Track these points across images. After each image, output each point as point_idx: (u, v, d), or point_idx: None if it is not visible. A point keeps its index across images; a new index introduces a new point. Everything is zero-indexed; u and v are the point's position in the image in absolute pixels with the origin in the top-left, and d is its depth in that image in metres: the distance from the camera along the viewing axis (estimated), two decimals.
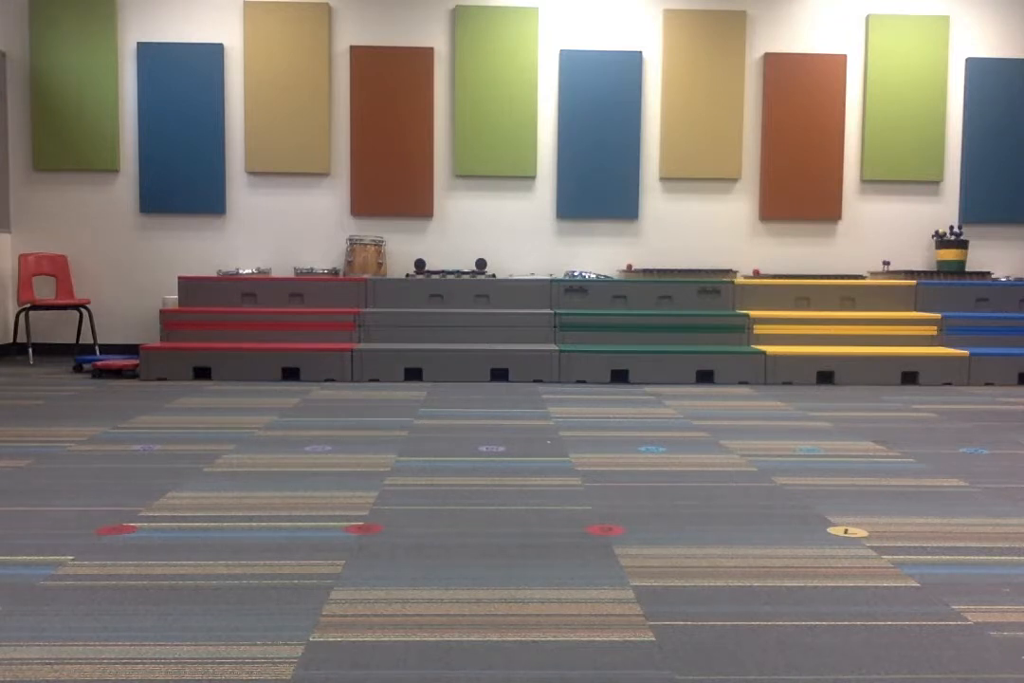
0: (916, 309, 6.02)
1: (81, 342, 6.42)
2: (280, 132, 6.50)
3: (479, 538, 2.21)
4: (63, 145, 6.46)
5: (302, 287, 5.94)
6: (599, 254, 6.67)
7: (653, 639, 1.62)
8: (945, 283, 6.15)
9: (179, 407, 4.25)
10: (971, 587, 1.90)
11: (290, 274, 6.44)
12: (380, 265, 6.34)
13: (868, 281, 6.27)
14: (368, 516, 2.40)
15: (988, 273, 6.47)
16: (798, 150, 6.65)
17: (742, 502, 2.57)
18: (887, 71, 6.66)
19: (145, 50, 6.45)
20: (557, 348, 5.37)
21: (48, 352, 6.42)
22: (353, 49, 6.50)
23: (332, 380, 5.24)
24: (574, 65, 6.55)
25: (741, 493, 2.68)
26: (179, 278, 5.98)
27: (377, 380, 5.26)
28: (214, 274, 6.36)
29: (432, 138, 6.58)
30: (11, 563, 2.01)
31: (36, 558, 2.04)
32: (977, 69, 6.70)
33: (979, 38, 6.72)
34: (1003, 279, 6.50)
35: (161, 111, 6.47)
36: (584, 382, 5.28)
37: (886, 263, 6.60)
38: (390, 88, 6.51)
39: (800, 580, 1.94)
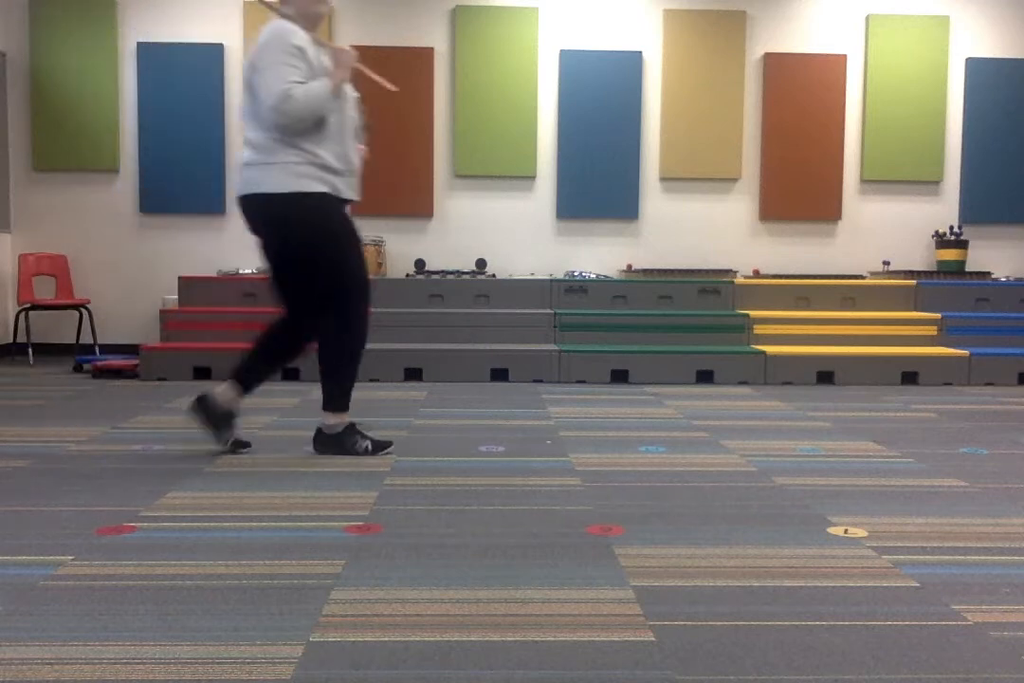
0: (916, 309, 6.02)
1: (81, 342, 6.42)
2: None
3: (479, 538, 2.21)
4: (63, 145, 6.46)
5: None
6: (599, 254, 6.67)
7: (653, 639, 1.62)
8: (945, 283, 6.15)
9: (179, 407, 4.25)
10: (971, 587, 1.90)
11: None
12: (380, 265, 6.34)
13: (868, 281, 6.27)
14: (368, 516, 2.40)
15: (988, 273, 6.47)
16: (798, 150, 6.65)
17: (742, 502, 2.57)
18: (887, 71, 6.66)
19: (145, 50, 6.45)
20: (557, 348, 5.37)
21: (48, 352, 6.42)
22: (353, 49, 6.49)
23: None
24: (574, 65, 6.55)
25: (741, 493, 2.68)
26: (179, 278, 5.99)
27: (377, 380, 5.26)
28: (214, 274, 6.36)
29: (432, 138, 6.58)
30: (11, 563, 2.01)
31: (36, 558, 2.04)
32: (977, 69, 6.70)
33: (979, 38, 6.72)
34: (1003, 279, 6.50)
35: (161, 111, 6.47)
36: (584, 382, 5.28)
37: (886, 263, 6.60)
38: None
39: (800, 580, 1.94)
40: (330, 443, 3.20)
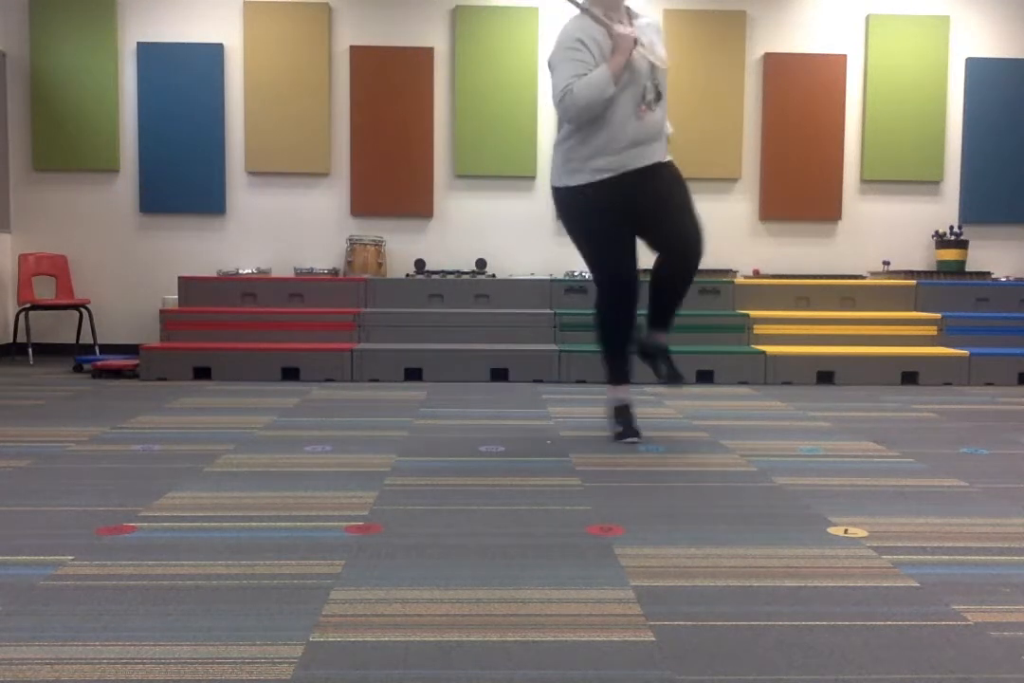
0: (916, 309, 6.02)
1: (81, 342, 6.42)
2: (280, 132, 6.50)
3: (479, 538, 2.21)
4: (63, 145, 6.46)
5: (302, 287, 5.94)
6: None
7: (653, 639, 1.62)
8: (945, 283, 6.15)
9: (179, 407, 4.25)
10: (971, 587, 1.90)
11: (290, 274, 6.44)
12: (380, 265, 6.34)
13: (868, 281, 6.27)
14: (368, 516, 2.40)
15: (988, 273, 6.47)
16: (798, 150, 6.65)
17: (742, 502, 2.57)
18: (887, 71, 6.66)
19: (145, 50, 6.45)
20: (557, 348, 5.37)
21: (48, 352, 6.42)
22: (353, 49, 6.50)
23: (332, 380, 5.24)
24: None
25: (741, 493, 2.68)
26: (179, 278, 5.99)
27: (377, 380, 5.26)
28: (214, 274, 6.36)
29: (432, 138, 6.58)
30: (11, 563, 2.01)
31: (36, 558, 2.04)
32: (977, 69, 6.70)
33: (979, 38, 6.72)
34: (1003, 279, 6.50)
35: (161, 111, 6.47)
36: (584, 382, 5.27)
37: (886, 263, 6.60)
38: (390, 88, 6.51)
39: (800, 580, 1.94)
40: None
